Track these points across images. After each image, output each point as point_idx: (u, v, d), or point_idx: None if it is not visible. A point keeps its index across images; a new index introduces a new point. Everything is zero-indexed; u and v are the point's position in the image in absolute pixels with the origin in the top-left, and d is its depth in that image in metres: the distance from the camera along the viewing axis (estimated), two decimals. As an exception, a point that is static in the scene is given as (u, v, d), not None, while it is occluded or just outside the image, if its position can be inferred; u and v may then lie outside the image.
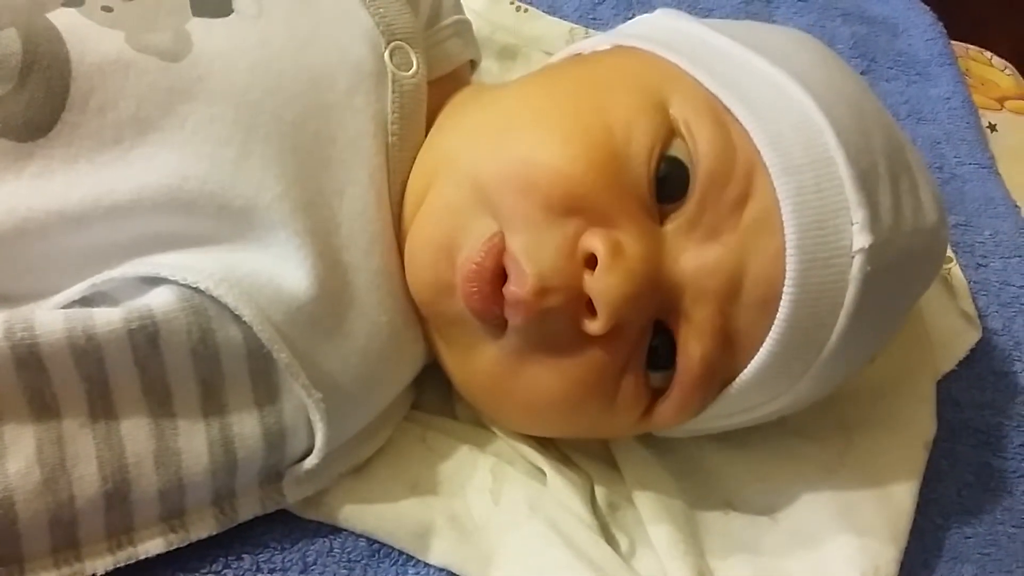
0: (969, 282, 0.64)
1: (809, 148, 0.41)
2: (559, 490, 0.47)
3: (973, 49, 0.85)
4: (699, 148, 0.41)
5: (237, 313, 0.39)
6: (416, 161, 0.47)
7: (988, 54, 0.85)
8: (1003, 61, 0.85)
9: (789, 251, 0.41)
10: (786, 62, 0.45)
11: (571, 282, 0.40)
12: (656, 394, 0.45)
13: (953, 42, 0.83)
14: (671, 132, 0.42)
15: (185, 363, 0.39)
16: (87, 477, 0.37)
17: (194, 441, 0.39)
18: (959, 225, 0.68)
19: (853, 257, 0.41)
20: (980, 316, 0.62)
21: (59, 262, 0.40)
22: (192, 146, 0.41)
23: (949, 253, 0.64)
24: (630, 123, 0.42)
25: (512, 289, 0.40)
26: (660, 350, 0.43)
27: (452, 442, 0.48)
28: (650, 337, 0.43)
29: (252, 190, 0.41)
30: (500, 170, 0.42)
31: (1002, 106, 0.80)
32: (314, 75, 0.45)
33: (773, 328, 0.42)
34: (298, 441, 0.42)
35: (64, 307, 0.39)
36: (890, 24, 0.82)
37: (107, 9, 0.42)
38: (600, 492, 0.49)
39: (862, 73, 0.77)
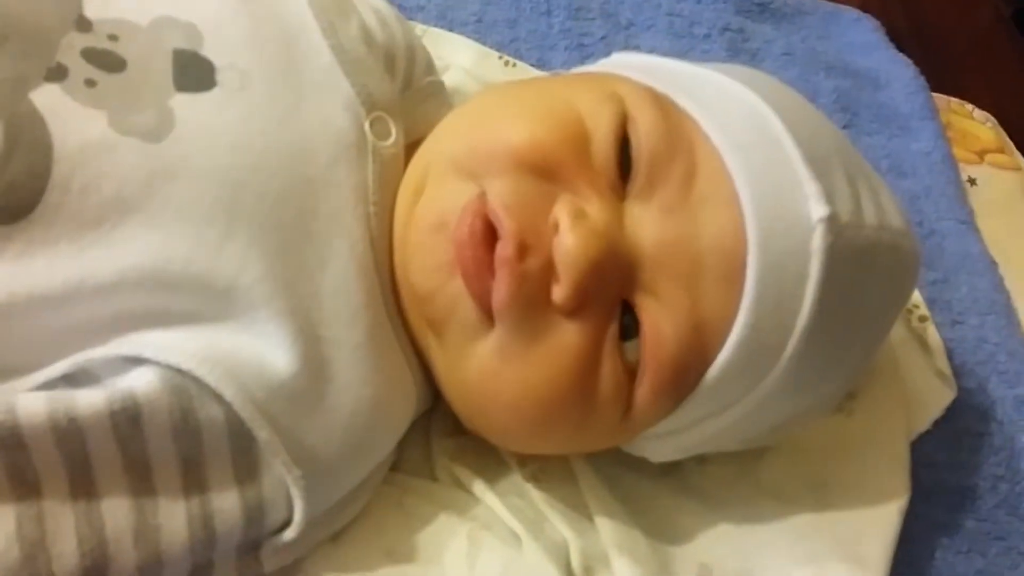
0: (945, 340, 0.65)
1: (754, 130, 0.44)
2: (534, 555, 0.47)
3: (955, 101, 0.86)
4: (640, 129, 0.43)
5: (219, 392, 0.39)
6: (404, 179, 0.48)
7: (969, 106, 0.86)
8: (984, 113, 0.86)
9: (748, 219, 0.42)
10: (732, 72, 0.48)
11: (545, 244, 0.42)
12: (633, 379, 0.44)
13: (934, 94, 0.84)
14: (626, 117, 0.44)
15: (166, 442, 0.39)
16: (67, 554, 0.38)
17: (174, 517, 0.40)
18: (937, 282, 0.69)
19: (814, 228, 0.42)
20: (956, 374, 0.63)
21: (42, 339, 0.40)
22: (175, 226, 0.41)
23: (924, 311, 0.65)
24: (594, 111, 0.44)
25: (498, 250, 0.42)
26: (631, 328, 0.44)
27: (429, 507, 0.49)
28: (620, 317, 0.43)
29: (234, 270, 0.42)
30: (472, 143, 0.45)
31: (982, 159, 0.81)
32: (296, 149, 0.45)
33: (743, 299, 0.42)
34: (277, 514, 0.42)
35: (46, 383, 0.40)
36: (872, 77, 0.83)
37: (90, 83, 0.42)
38: (575, 555, 0.49)
39: (844, 127, 0.78)
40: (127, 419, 0.38)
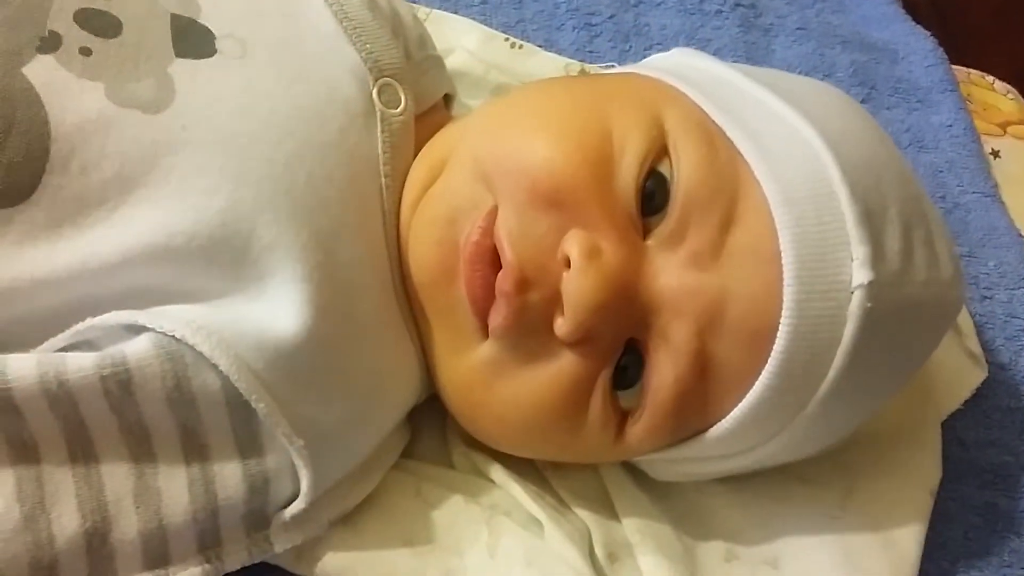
0: (974, 315, 0.63)
1: (811, 181, 0.41)
2: (556, 542, 0.46)
3: (975, 73, 0.84)
4: (682, 167, 0.42)
5: (213, 362, 0.38)
6: (420, 154, 0.47)
7: (990, 78, 0.84)
8: (1005, 85, 0.84)
9: (787, 282, 0.40)
10: (800, 102, 0.44)
11: (550, 279, 0.41)
12: (627, 415, 0.44)
13: (954, 67, 0.82)
14: (664, 148, 0.42)
15: (161, 409, 0.38)
16: (66, 515, 0.37)
17: (174, 480, 0.39)
18: (963, 256, 0.67)
19: (852, 293, 0.40)
20: (985, 350, 0.61)
21: (45, 317, 0.40)
22: (177, 200, 0.40)
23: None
24: (626, 134, 0.42)
25: (498, 281, 0.41)
26: (630, 371, 0.43)
27: (447, 494, 0.48)
28: (620, 356, 0.42)
29: (241, 241, 0.40)
30: (497, 152, 0.43)
31: (1005, 131, 0.79)
32: (304, 116, 0.44)
33: (770, 361, 0.41)
34: (283, 486, 0.41)
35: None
36: (890, 50, 0.81)
37: (85, 52, 0.40)
38: (599, 543, 0.48)
39: (862, 101, 0.76)
40: (117, 384, 0.37)
